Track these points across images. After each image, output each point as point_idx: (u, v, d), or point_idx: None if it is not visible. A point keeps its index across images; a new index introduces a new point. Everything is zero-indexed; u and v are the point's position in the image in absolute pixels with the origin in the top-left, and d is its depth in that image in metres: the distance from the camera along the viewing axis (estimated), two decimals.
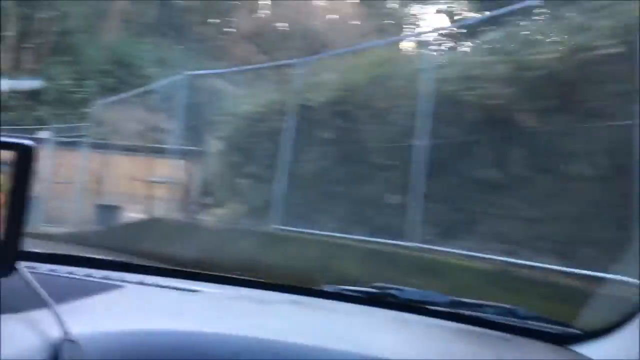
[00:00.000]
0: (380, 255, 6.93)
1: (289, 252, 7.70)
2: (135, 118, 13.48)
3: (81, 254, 1.72)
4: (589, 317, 1.72)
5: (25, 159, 0.95)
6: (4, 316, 1.01)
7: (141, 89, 12.82)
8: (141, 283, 1.45)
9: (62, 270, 1.42)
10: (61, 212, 13.30)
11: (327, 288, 1.60)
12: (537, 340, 1.33)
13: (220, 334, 1.09)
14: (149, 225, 10.55)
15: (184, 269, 1.70)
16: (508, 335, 1.35)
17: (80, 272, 1.43)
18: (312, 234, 8.12)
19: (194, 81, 11.64)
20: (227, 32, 24.47)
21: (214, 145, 12.33)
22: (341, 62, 9.59)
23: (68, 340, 0.95)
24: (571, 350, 1.27)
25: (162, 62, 18.87)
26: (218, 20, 24.94)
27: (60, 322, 0.98)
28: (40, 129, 13.70)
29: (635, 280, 2.03)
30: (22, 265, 1.00)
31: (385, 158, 7.69)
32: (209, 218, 11.52)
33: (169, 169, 14.12)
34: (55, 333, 0.97)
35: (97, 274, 1.44)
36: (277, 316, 1.34)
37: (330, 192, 8.58)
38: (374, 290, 1.56)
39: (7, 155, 0.95)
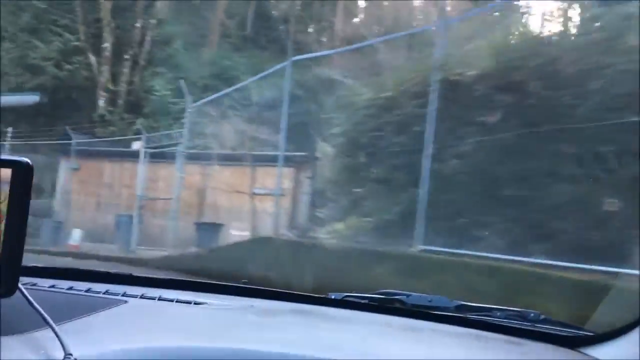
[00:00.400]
0: (601, 292, 4.48)
1: (450, 282, 5.40)
2: (233, 121, 11.75)
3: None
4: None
5: (22, 176, 0.94)
6: (4, 337, 0.99)
7: (238, 85, 11.04)
8: (144, 297, 1.39)
9: (63, 285, 1.39)
10: (157, 232, 11.80)
11: (333, 296, 1.57)
12: (547, 343, 1.29)
13: (226, 350, 1.05)
14: (258, 246, 8.62)
15: (188, 280, 1.66)
16: (518, 339, 1.31)
17: (81, 286, 1.39)
18: (477, 256, 5.80)
19: (300, 70, 9.65)
20: (325, 43, 23.35)
21: (326, 145, 10.33)
22: (495, 20, 7.19)
23: None
24: (583, 353, 1.23)
25: (249, 89, 17.66)
26: (314, 29, 23.65)
27: (62, 343, 0.95)
28: (136, 139, 12.33)
29: None
30: (22, 283, 0.98)
31: (593, 142, 5.18)
32: (326, 235, 9.46)
33: (274, 178, 12.30)
34: (57, 354, 0.94)
35: (99, 287, 1.39)
36: (284, 327, 1.31)
37: (495, 197, 6.20)
38: (380, 296, 1.57)
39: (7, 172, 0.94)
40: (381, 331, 1.35)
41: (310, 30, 23.95)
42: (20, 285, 0.95)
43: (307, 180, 13.34)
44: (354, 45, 9.78)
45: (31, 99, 14.82)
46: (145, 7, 19.69)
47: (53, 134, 13.97)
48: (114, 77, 19.12)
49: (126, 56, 19.29)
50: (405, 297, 1.52)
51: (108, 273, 1.62)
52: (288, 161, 12.08)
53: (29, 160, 0.94)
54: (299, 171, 12.43)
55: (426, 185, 6.76)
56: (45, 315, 1.00)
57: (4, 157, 0.94)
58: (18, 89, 18.49)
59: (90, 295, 1.34)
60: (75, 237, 12.33)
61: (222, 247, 9.76)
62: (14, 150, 14.40)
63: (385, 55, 9.65)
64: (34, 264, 1.51)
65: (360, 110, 8.43)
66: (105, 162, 14.39)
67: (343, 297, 1.55)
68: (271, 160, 12.06)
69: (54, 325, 0.99)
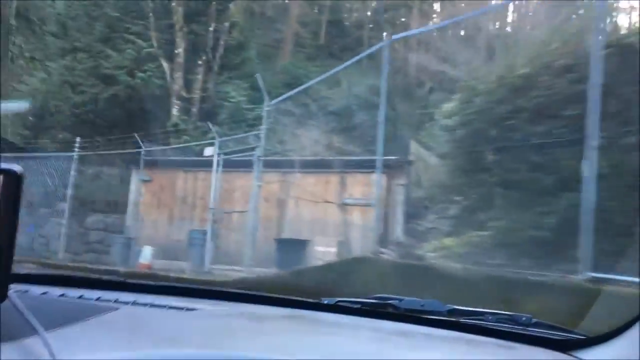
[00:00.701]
0: None
1: None
2: (316, 121, 10.25)
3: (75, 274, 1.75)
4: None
5: (13, 184, 0.93)
6: None
7: (323, 76, 9.52)
8: (135, 303, 1.39)
9: (55, 292, 1.39)
10: (233, 249, 10.44)
11: (326, 301, 1.56)
12: (539, 347, 1.28)
13: (218, 356, 1.04)
14: (354, 267, 6.95)
15: (180, 286, 1.63)
16: (510, 343, 1.31)
17: (73, 293, 1.40)
18: None
19: (399, 53, 8.02)
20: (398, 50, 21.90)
21: (431, 144, 8.65)
22: None
23: None
24: (574, 356, 1.23)
25: (333, 84, 16.42)
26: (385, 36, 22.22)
27: (50, 350, 0.95)
28: (208, 145, 11.05)
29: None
30: (15, 290, 0.99)
31: None
32: (434, 254, 7.73)
33: (362, 186, 10.72)
34: None
35: (91, 294, 1.40)
36: (276, 333, 1.30)
37: None
38: (373, 301, 1.55)
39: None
40: (374, 336, 1.34)
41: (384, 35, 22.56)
42: (10, 293, 0.95)
43: (401, 187, 11.58)
44: (466, 15, 8.00)
45: (21, 106, 14.09)
46: (218, 12, 18.72)
47: (125, 145, 13.02)
48: (187, 84, 18.19)
49: (199, 62, 18.34)
50: (397, 301, 1.50)
51: (100, 280, 1.62)
52: (382, 166, 10.46)
53: (19, 168, 0.93)
54: (391, 177, 10.76)
55: (592, 188, 4.90)
56: (35, 323, 1.00)
57: None
58: (92, 100, 17.99)
59: (82, 302, 1.34)
60: (146, 255, 11.20)
61: (309, 268, 8.19)
62: (82, 161, 13.59)
63: (503, 27, 7.88)
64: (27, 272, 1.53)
65: (480, 96, 6.67)
66: (178, 172, 13.28)
67: (336, 302, 1.54)
68: (358, 166, 10.47)
69: (43, 332, 0.99)
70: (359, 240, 10.30)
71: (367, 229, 10.09)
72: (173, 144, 15.28)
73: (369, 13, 25.83)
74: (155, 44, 17.83)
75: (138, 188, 13.06)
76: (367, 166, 10.31)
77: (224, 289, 1.63)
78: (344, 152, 11.83)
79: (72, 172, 12.56)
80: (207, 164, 11.51)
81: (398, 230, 11.10)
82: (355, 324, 1.43)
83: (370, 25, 23.96)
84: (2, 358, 0.94)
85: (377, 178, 9.58)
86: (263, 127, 9.67)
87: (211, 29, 18.41)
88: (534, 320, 1.40)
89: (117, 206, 14.13)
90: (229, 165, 10.62)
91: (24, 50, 22.66)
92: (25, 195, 13.95)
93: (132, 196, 13.56)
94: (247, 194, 10.61)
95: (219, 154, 10.23)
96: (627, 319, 1.16)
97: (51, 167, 14.51)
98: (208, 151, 10.34)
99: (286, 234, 10.18)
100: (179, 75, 17.92)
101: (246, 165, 10.48)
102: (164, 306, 1.37)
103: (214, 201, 10.12)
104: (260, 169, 9.57)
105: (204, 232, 10.27)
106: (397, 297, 1.52)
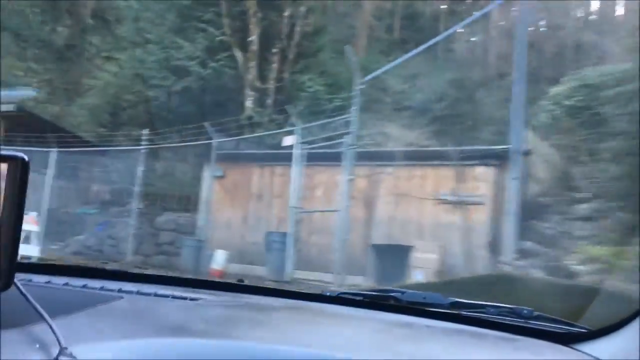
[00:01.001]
0: None
1: None
2: (417, 101, 8.69)
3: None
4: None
5: (18, 172, 0.93)
6: (1, 331, 0.99)
7: (432, 41, 7.92)
8: (139, 292, 1.39)
9: (59, 281, 1.40)
10: (318, 253, 9.03)
11: (328, 293, 1.58)
12: (540, 339, 1.28)
13: (221, 345, 1.06)
14: (494, 288, 5.18)
15: (183, 277, 1.65)
16: (511, 335, 1.31)
17: (77, 282, 1.40)
18: None
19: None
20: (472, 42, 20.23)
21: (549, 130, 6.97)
22: None
23: (66, 356, 0.94)
24: (576, 349, 1.22)
25: (410, 78, 14.77)
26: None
27: (57, 337, 0.96)
28: (288, 134, 9.63)
29: None
30: (19, 279, 0.98)
31: None
32: (586, 268, 5.95)
33: (471, 181, 9.09)
34: (52, 348, 0.95)
35: (94, 284, 1.41)
36: (278, 323, 1.31)
37: None
38: (375, 293, 1.56)
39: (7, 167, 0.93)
40: (375, 327, 1.34)
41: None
42: (16, 281, 0.94)
43: (516, 182, 9.75)
44: None
45: (27, 93, 13.57)
46: None
47: (196, 139, 11.89)
48: (262, 74, 16.98)
49: (274, 50, 17.08)
50: (400, 294, 1.51)
51: (104, 269, 1.62)
52: (484, 158, 8.88)
53: (24, 156, 0.92)
54: (503, 170, 9.00)
55: None
56: (41, 310, 1.00)
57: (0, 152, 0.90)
58: (163, 93, 17.16)
59: (86, 291, 1.34)
60: (219, 259, 9.99)
61: (422, 285, 6.55)
62: (152, 156, 12.60)
63: None
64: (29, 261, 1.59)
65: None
66: (252, 166, 12.02)
67: (338, 294, 1.55)
68: (464, 158, 8.85)
69: (49, 319, 0.98)
70: (466, 245, 8.63)
71: (474, 231, 8.42)
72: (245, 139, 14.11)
73: (444, 6, 24.01)
74: (227, 31, 16.74)
75: (210, 185, 11.89)
76: (473, 158, 8.65)
77: (227, 281, 1.67)
78: (443, 143, 10.18)
79: (141, 168, 11.54)
80: (284, 157, 10.16)
81: (512, 234, 9.28)
82: (357, 316, 1.44)
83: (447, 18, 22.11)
84: (9, 346, 0.94)
85: (472, 172, 7.96)
86: (354, 108, 8.14)
87: (286, 14, 17.11)
88: (536, 313, 1.38)
89: (189, 204, 13.08)
90: (312, 158, 9.17)
91: (100, 50, 22.43)
92: (97, 193, 13.05)
93: (203, 193, 12.44)
94: (331, 191, 9.13)
95: (302, 143, 8.75)
96: (628, 313, 1.11)
97: (121, 162, 13.67)
98: (288, 140, 8.92)
99: (378, 237, 8.62)
100: (252, 64, 16.73)
101: (331, 158, 9.01)
102: (168, 296, 1.36)
103: (295, 199, 8.70)
104: (352, 161, 8.04)
105: (284, 235, 8.88)
106: (400, 289, 1.52)
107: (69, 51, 23.43)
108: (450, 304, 1.45)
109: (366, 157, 8.79)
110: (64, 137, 12.80)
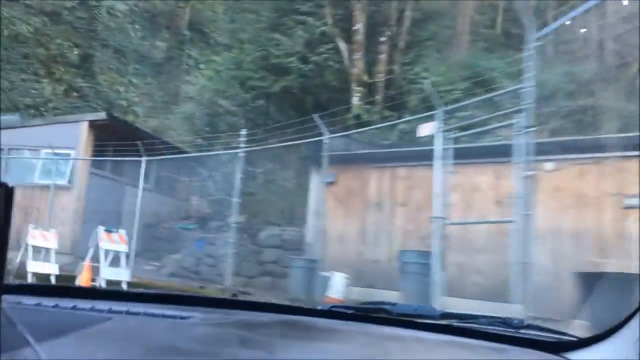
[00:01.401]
0: None
1: None
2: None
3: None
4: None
5: (1, 199, 0.88)
6: None
7: None
8: (129, 312, 1.36)
9: (48, 303, 1.35)
10: (476, 280, 6.81)
11: (320, 307, 1.58)
12: (531, 349, 1.27)
13: None
14: None
15: (174, 294, 1.64)
16: (501, 345, 1.29)
17: (66, 303, 1.36)
18: None
19: None
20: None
21: None
22: None
23: None
24: (566, 358, 1.20)
25: (510, 75, 12.24)
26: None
27: None
28: (425, 120, 7.42)
29: None
30: (7, 302, 0.95)
31: None
32: None
33: None
34: None
35: (84, 304, 1.37)
36: (270, 339, 1.26)
37: None
38: (366, 306, 1.59)
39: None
40: (366, 341, 1.32)
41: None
42: (2, 305, 0.92)
43: None
44: None
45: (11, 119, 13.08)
46: None
47: (300, 136, 10.07)
48: (369, 67, 14.98)
49: (382, 39, 15.03)
50: (390, 306, 1.51)
51: (94, 289, 1.68)
52: None
53: (7, 183, 0.89)
54: None
55: None
56: (28, 336, 0.97)
57: None
58: (262, 94, 15.65)
59: (75, 313, 1.32)
60: (338, 285, 8.03)
61: None
62: (251, 163, 10.90)
63: None
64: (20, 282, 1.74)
65: None
66: (368, 169, 9.99)
67: (329, 308, 1.56)
68: None
69: (35, 344, 0.97)
70: None
71: None
72: (358, 140, 12.16)
73: None
74: (329, 22, 14.93)
75: (320, 192, 9.98)
76: None
77: (218, 297, 1.65)
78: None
79: (240, 175, 9.84)
80: (417, 156, 8.05)
81: None
82: (348, 329, 1.42)
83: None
84: None
85: None
86: (528, 75, 5.86)
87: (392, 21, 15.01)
88: (526, 322, 1.38)
89: (294, 216, 11.23)
90: (461, 155, 6.87)
91: (198, 62, 21.59)
92: (193, 205, 11.44)
93: (311, 203, 10.56)
94: (488, 195, 6.88)
95: (445, 131, 6.49)
96: (617, 321, 1.11)
97: (218, 170, 12.12)
98: (424, 129, 6.75)
99: (578, 260, 6.24)
100: (358, 56, 14.77)
101: (487, 154, 6.77)
102: (158, 315, 1.34)
103: (438, 207, 6.51)
104: (530, 148, 5.73)
105: (426, 254, 6.68)
106: (391, 302, 1.52)
107: (167, 64, 22.89)
108: (441, 315, 1.47)
109: (549, 150, 6.43)
110: (157, 145, 11.43)
